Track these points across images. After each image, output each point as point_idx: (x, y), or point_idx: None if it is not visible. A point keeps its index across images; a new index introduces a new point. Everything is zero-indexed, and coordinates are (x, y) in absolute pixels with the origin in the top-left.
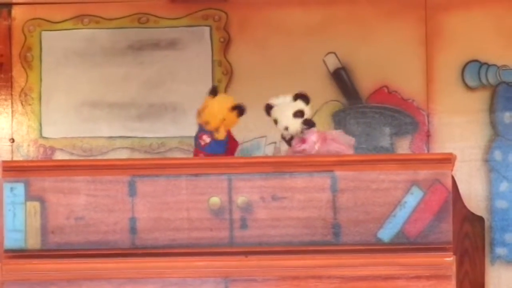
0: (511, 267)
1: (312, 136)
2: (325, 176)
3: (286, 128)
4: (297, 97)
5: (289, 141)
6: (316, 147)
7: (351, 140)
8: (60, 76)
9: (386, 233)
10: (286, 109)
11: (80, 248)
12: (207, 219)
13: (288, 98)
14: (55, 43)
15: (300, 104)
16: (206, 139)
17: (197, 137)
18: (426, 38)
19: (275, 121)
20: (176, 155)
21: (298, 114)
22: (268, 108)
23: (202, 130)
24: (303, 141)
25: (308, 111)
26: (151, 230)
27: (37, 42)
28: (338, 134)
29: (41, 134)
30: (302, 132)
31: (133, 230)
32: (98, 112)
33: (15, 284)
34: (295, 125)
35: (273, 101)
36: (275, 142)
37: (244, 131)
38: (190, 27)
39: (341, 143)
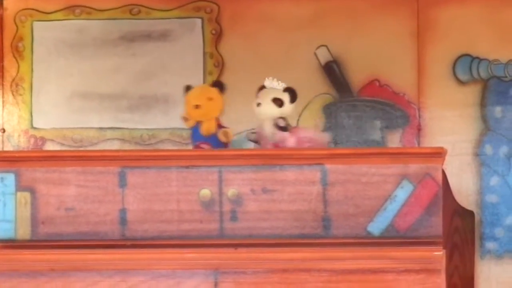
0: (501, 262)
1: (288, 143)
2: (315, 169)
3: (258, 104)
4: (287, 89)
5: (255, 141)
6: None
7: (325, 136)
8: (52, 67)
9: (376, 227)
10: (270, 92)
11: (70, 239)
12: (197, 211)
13: (280, 85)
14: (47, 34)
15: (284, 95)
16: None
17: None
18: (418, 31)
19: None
20: (166, 147)
21: (277, 101)
22: (260, 89)
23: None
24: (276, 146)
25: (288, 107)
26: (141, 222)
27: (28, 33)
28: (311, 132)
29: (32, 124)
30: (276, 127)
31: (123, 221)
32: (89, 103)
33: (4, 275)
34: (268, 109)
35: (266, 82)
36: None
37: (235, 123)
38: (182, 18)
39: (314, 141)
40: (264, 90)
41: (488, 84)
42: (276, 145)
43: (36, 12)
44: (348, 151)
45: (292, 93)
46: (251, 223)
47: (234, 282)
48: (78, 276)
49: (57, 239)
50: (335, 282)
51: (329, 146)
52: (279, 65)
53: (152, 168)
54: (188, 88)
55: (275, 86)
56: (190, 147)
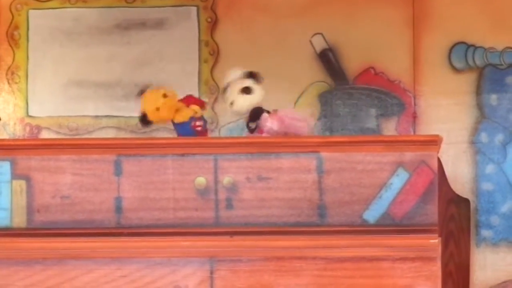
0: (496, 249)
1: (267, 123)
2: (311, 157)
3: (232, 103)
4: (248, 75)
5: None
6: (275, 127)
7: (305, 114)
8: (47, 55)
9: (371, 215)
10: (234, 85)
11: (65, 227)
12: (193, 199)
13: (239, 73)
14: (42, 22)
15: (248, 82)
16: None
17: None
18: (413, 19)
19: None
20: (162, 135)
21: (246, 90)
22: (224, 89)
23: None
24: (260, 131)
25: (258, 90)
26: (137, 210)
27: (24, 21)
28: (291, 111)
29: (27, 112)
30: (252, 119)
31: (118, 209)
32: (85, 91)
33: (0, 263)
34: (241, 101)
35: (226, 79)
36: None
37: (229, 111)
38: (177, 6)
39: (298, 118)
40: (229, 88)
41: (483, 72)
42: (261, 131)
43: (31, 1)
44: (344, 139)
45: (254, 76)
46: (247, 211)
47: (229, 270)
48: (73, 264)
49: (52, 227)
50: (331, 270)
51: (324, 134)
52: (274, 52)
53: (147, 156)
54: None
55: (234, 76)
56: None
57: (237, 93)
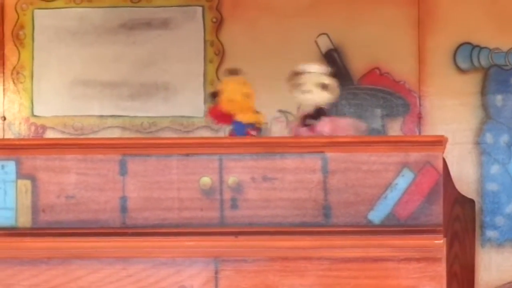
0: (501, 250)
1: (325, 128)
2: (316, 157)
3: (306, 91)
4: (326, 71)
5: (303, 120)
6: (326, 130)
7: (363, 126)
8: (52, 55)
9: (376, 215)
10: (310, 76)
11: (70, 226)
12: (198, 199)
13: (317, 67)
14: (48, 22)
15: (327, 78)
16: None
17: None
18: (419, 20)
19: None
20: (167, 135)
21: (324, 86)
22: (295, 75)
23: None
24: (312, 129)
25: (332, 89)
26: (142, 210)
27: (29, 21)
28: (350, 122)
29: (32, 112)
30: (313, 117)
31: (123, 209)
32: (90, 91)
33: (5, 262)
34: (316, 95)
35: (303, 68)
36: (266, 123)
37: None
38: (183, 6)
39: (349, 129)
40: (307, 76)
41: (488, 72)
42: (313, 129)
43: (37, 0)
44: (349, 139)
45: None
46: (252, 211)
47: (234, 270)
48: (78, 264)
49: (57, 227)
50: (336, 270)
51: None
52: (280, 53)
53: (152, 156)
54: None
55: (316, 70)
56: (191, 135)
57: (315, 85)
